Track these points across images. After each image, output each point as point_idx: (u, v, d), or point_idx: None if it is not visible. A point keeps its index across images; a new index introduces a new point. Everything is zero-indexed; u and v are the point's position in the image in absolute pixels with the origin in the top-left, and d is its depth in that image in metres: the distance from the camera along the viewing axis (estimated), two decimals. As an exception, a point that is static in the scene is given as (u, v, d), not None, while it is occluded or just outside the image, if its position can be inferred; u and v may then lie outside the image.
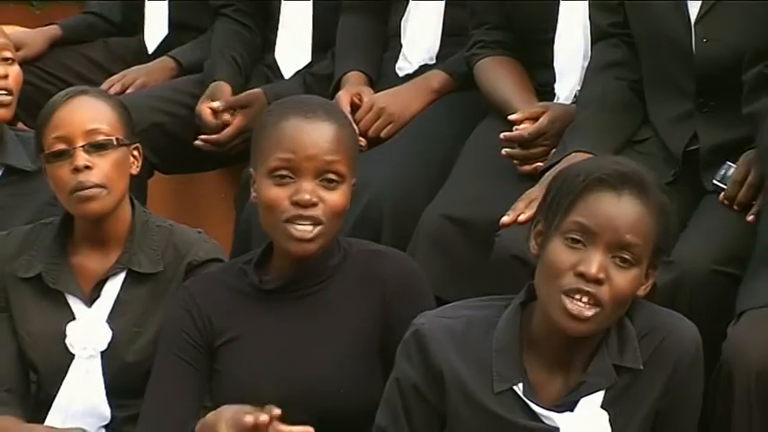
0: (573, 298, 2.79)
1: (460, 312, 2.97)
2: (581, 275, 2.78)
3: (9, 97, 3.90)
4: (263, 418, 2.84)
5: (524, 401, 2.87)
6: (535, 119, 3.67)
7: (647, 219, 2.83)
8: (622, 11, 3.58)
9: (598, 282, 2.78)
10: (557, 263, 2.81)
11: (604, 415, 2.86)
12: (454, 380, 2.89)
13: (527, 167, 3.65)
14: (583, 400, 2.86)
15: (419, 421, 2.92)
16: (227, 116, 4.28)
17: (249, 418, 2.84)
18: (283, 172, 3.08)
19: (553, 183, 2.93)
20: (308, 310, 3.18)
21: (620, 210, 2.82)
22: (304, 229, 3.07)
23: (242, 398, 3.07)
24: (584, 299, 2.79)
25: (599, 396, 2.87)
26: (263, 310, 3.18)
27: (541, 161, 3.61)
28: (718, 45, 3.41)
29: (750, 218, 3.29)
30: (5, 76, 3.89)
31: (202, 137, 4.28)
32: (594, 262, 2.79)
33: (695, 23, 3.44)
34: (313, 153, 3.08)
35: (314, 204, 3.06)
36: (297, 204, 3.06)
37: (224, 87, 4.37)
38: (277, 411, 2.88)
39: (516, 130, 3.67)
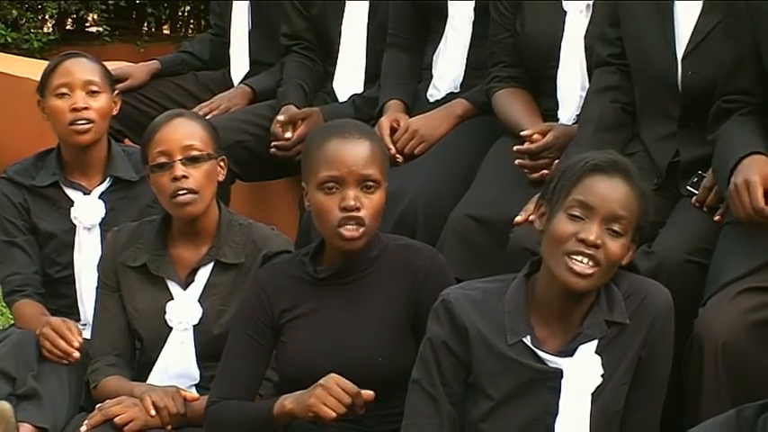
0: (574, 259, 2.81)
1: (477, 285, 2.99)
2: (582, 241, 2.81)
3: (87, 125, 3.80)
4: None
5: (533, 350, 2.88)
6: (542, 135, 3.65)
7: (632, 198, 2.87)
8: (620, 44, 3.55)
9: (596, 246, 2.81)
10: (561, 232, 2.84)
11: (598, 359, 2.87)
12: (476, 334, 2.90)
13: (535, 175, 3.63)
14: (580, 347, 2.88)
15: (447, 371, 2.91)
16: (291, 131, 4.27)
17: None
18: (330, 184, 3.07)
19: (555, 172, 2.97)
20: (354, 293, 3.17)
21: (611, 189, 2.86)
22: (352, 231, 3.06)
23: (302, 364, 3.14)
24: (585, 260, 2.82)
25: (593, 344, 2.88)
26: (317, 294, 3.17)
27: (547, 170, 3.59)
28: (701, 77, 3.37)
29: (716, 218, 3.26)
30: (87, 108, 3.81)
31: (274, 143, 4.28)
32: (593, 231, 2.83)
33: (682, 59, 3.40)
34: (353, 167, 3.07)
35: (357, 208, 3.06)
36: (344, 210, 3.06)
37: (293, 109, 4.35)
38: (370, 393, 2.98)
39: (527, 144, 3.65)
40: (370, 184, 3.09)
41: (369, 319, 3.15)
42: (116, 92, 3.96)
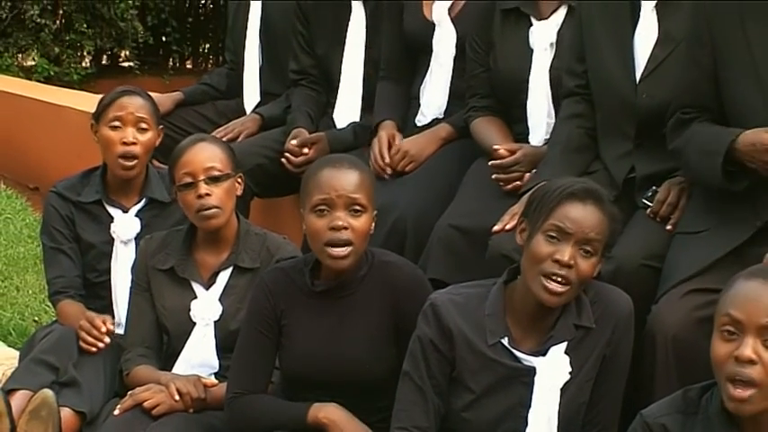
0: (550, 279, 2.79)
1: (460, 291, 2.97)
2: (556, 261, 2.79)
3: (133, 161, 3.79)
4: None
5: (509, 350, 2.87)
6: (511, 152, 3.66)
7: (603, 222, 2.85)
8: (585, 77, 3.56)
9: (569, 267, 2.79)
10: (539, 252, 2.81)
11: (567, 359, 2.87)
12: (459, 334, 2.88)
13: (509, 187, 3.64)
14: (552, 348, 2.87)
15: (434, 366, 2.90)
16: (305, 150, 4.29)
17: None
18: (322, 206, 3.05)
19: (535, 194, 2.94)
20: (344, 307, 3.15)
21: (584, 215, 2.83)
22: (339, 250, 3.05)
23: (299, 366, 3.14)
24: (559, 279, 2.80)
25: (563, 345, 2.87)
26: (314, 305, 3.15)
27: (518, 181, 3.62)
28: (655, 100, 3.37)
29: (668, 227, 3.27)
30: (135, 143, 3.80)
31: (286, 155, 4.31)
32: (567, 252, 2.80)
33: (638, 83, 3.40)
34: (342, 192, 3.05)
35: (345, 228, 3.04)
36: (333, 229, 3.04)
37: (303, 131, 4.37)
38: None
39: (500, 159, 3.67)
40: (358, 208, 3.06)
41: (356, 330, 3.13)
42: (161, 126, 3.94)
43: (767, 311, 2.39)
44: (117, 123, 3.80)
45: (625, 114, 3.43)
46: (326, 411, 3.05)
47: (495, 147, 3.67)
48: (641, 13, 3.42)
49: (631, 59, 3.41)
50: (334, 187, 3.05)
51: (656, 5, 3.40)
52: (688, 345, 2.94)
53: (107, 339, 3.60)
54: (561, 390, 2.85)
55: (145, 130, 3.83)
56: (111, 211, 3.86)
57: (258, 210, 4.48)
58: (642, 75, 3.40)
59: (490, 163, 3.66)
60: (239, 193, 3.54)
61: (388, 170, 3.99)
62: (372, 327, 3.11)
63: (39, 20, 8.16)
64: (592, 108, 3.55)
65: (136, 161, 3.81)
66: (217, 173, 3.46)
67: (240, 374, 3.17)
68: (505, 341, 2.87)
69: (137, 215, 3.85)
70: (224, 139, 4.43)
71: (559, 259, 2.79)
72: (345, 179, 3.07)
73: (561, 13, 3.79)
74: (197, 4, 9.39)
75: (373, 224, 3.13)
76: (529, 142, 3.81)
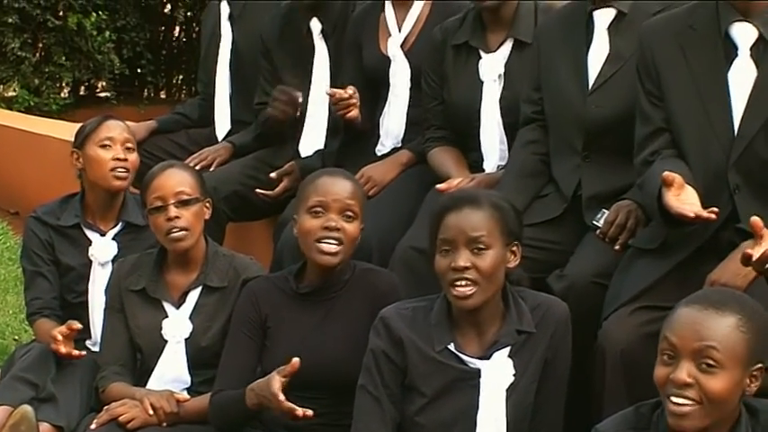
0: (455, 286, 2.81)
1: (407, 305, 2.99)
2: (454, 269, 2.81)
3: (126, 173, 3.83)
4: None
5: (457, 355, 2.87)
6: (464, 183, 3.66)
7: (483, 218, 2.85)
8: (541, 103, 3.57)
9: (466, 269, 2.81)
10: (439, 268, 2.86)
11: (510, 362, 2.87)
12: (410, 342, 2.89)
13: None
14: (496, 353, 2.87)
15: (387, 376, 2.90)
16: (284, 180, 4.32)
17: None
18: (317, 208, 3.13)
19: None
20: (327, 309, 3.18)
21: (460, 219, 2.85)
22: (330, 246, 3.10)
23: (281, 365, 3.09)
24: (463, 283, 2.81)
25: (507, 350, 2.88)
26: (297, 306, 3.18)
27: None
28: (603, 110, 3.40)
29: (617, 248, 3.26)
30: (126, 159, 3.83)
31: (259, 190, 4.30)
32: (459, 258, 2.82)
33: (589, 95, 3.43)
34: (337, 197, 3.13)
35: (337, 230, 3.10)
36: (326, 229, 3.10)
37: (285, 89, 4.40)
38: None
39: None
40: (350, 214, 3.14)
41: (338, 331, 3.15)
42: None
43: (699, 336, 2.37)
44: (108, 143, 3.82)
45: (575, 127, 3.44)
46: (255, 388, 3.04)
47: (440, 186, 3.64)
48: (594, 35, 3.47)
49: (585, 76, 3.44)
50: (330, 192, 3.14)
51: (609, 28, 3.45)
52: (635, 360, 2.94)
53: (76, 353, 3.55)
54: (507, 392, 2.85)
55: (131, 149, 3.88)
56: (89, 234, 3.84)
57: (230, 233, 4.47)
58: (592, 87, 3.43)
59: (438, 187, 3.64)
60: (207, 216, 3.53)
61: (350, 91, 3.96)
62: (353, 328, 3.12)
63: (19, 53, 8.13)
64: (546, 134, 3.56)
65: (128, 174, 3.83)
66: (186, 197, 3.45)
67: (223, 373, 3.20)
68: (452, 347, 2.88)
69: (114, 238, 3.83)
70: (198, 166, 4.44)
71: (455, 266, 2.81)
72: (341, 186, 3.16)
73: (508, 45, 3.82)
74: (171, 37, 9.38)
75: (360, 235, 3.17)
76: (484, 169, 3.82)
